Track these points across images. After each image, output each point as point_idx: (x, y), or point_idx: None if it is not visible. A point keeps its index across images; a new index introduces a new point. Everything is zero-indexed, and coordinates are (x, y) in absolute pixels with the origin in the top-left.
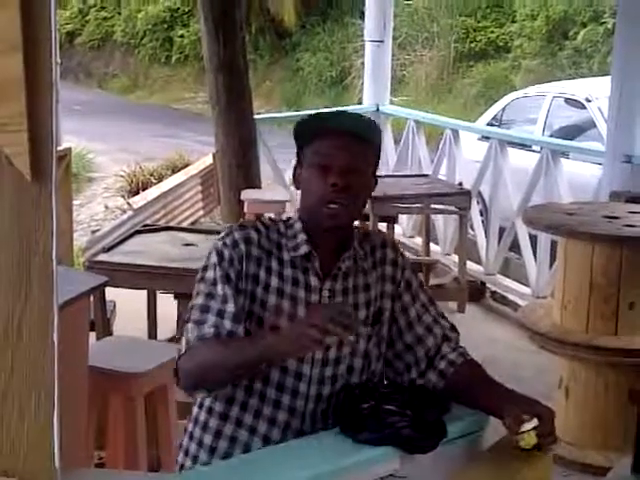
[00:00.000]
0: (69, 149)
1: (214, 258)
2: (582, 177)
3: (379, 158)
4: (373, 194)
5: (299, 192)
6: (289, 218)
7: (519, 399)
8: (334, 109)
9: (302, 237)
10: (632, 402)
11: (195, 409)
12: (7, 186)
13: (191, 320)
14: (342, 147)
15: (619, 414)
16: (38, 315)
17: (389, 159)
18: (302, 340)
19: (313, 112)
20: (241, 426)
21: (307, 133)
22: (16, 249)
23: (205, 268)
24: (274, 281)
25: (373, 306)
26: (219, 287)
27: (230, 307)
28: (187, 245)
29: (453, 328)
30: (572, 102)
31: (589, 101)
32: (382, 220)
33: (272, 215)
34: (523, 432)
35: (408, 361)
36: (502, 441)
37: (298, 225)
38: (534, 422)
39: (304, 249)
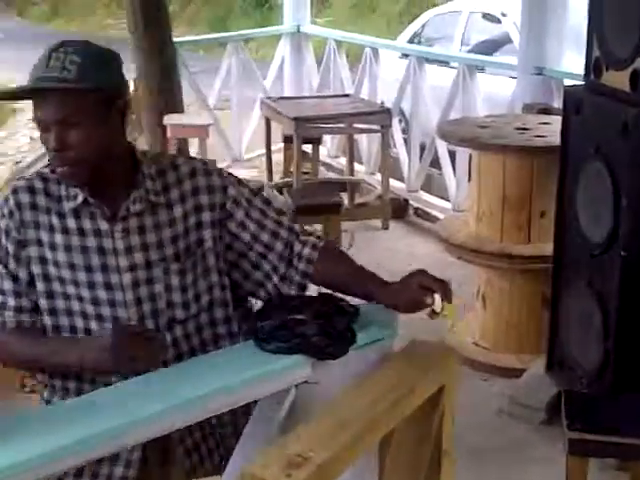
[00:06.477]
0: None
1: None
2: (499, 91)
3: (112, 99)
4: (296, 115)
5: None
6: None
7: (406, 285)
8: (61, 41)
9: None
10: (544, 306)
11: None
12: None
13: None
14: (45, 104)
15: (533, 318)
16: None
17: (312, 80)
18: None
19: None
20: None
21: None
22: None
23: None
24: (59, 238)
25: (183, 240)
26: None
27: (7, 285)
28: None
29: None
30: (488, 17)
31: (504, 15)
32: (306, 142)
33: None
34: (439, 312)
35: (266, 270)
36: (410, 345)
37: None
38: (437, 297)
39: (80, 197)
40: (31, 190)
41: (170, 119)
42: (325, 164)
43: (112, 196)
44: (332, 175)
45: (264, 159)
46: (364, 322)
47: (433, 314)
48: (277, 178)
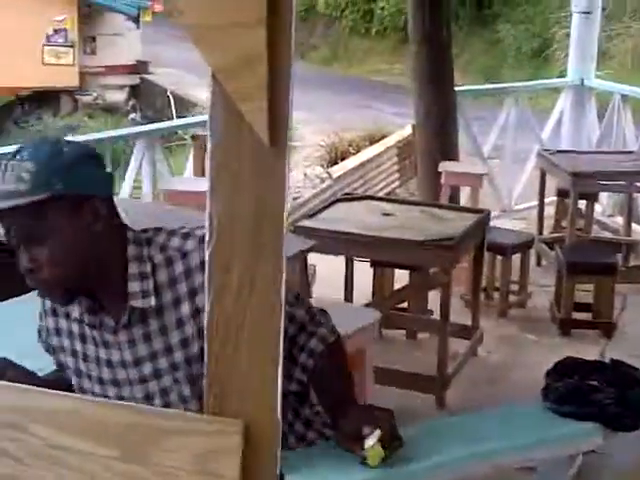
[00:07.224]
0: None
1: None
2: None
3: (79, 203)
4: (574, 170)
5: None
6: None
7: (352, 411)
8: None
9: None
10: None
11: None
12: (248, 151)
13: None
14: (5, 223)
15: None
16: (269, 272)
17: (591, 135)
18: None
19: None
20: None
21: None
22: (252, 210)
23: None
24: (78, 345)
25: (196, 343)
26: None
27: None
28: (385, 214)
29: (319, 312)
30: None
31: None
32: (582, 197)
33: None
34: (367, 449)
35: None
36: None
37: None
38: (376, 434)
39: (76, 312)
40: None
41: (445, 166)
42: (599, 222)
43: (114, 302)
44: (606, 234)
45: (533, 211)
46: None
47: (363, 452)
48: (546, 232)
